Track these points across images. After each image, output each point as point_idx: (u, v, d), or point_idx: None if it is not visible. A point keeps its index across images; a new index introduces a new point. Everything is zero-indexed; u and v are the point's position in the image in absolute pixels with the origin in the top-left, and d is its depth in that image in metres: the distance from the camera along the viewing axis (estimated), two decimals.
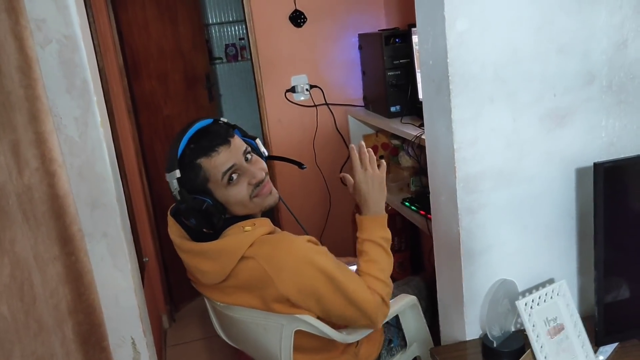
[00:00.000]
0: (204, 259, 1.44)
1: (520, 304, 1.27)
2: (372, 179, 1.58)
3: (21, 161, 0.84)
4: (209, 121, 1.47)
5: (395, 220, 2.88)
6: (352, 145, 1.64)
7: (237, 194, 1.43)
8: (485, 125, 1.35)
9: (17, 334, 0.69)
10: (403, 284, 1.98)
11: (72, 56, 1.20)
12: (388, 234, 1.58)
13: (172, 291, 3.26)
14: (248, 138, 1.56)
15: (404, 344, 1.71)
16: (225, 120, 1.52)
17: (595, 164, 1.25)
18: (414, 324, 1.67)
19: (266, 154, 1.60)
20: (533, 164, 1.40)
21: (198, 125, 1.43)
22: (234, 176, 1.42)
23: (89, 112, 1.21)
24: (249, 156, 1.47)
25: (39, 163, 0.91)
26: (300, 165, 1.72)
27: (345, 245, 3.15)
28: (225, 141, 1.42)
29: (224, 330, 1.67)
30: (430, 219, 2.07)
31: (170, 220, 1.52)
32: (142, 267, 2.47)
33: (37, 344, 0.74)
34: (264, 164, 1.52)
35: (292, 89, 2.96)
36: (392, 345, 1.70)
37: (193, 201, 1.39)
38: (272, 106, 2.97)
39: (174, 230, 1.51)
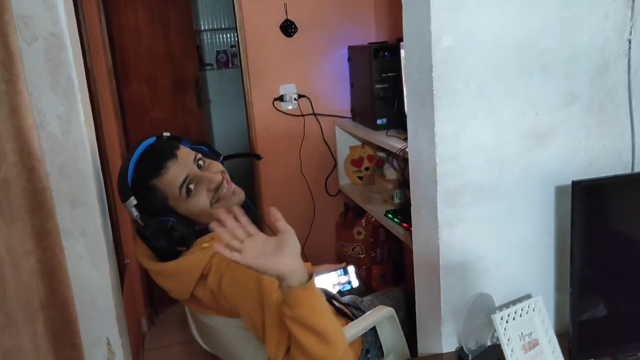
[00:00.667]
0: (165, 278, 1.43)
1: (496, 317, 1.28)
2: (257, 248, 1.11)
3: None
4: (151, 140, 1.43)
5: (378, 232, 2.90)
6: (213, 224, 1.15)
7: (197, 204, 1.39)
8: (467, 140, 1.37)
9: None
10: (382, 294, 1.99)
11: (58, 54, 1.20)
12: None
13: (152, 294, 3.23)
14: (197, 145, 1.52)
15: (380, 355, 1.72)
16: (169, 134, 1.48)
17: (573, 182, 1.27)
18: (391, 335, 1.68)
19: (221, 156, 1.55)
20: (513, 180, 1.42)
21: (141, 148, 1.40)
22: (191, 186, 1.38)
23: (72, 110, 1.21)
24: (201, 162, 1.43)
25: (17, 157, 0.91)
26: (257, 157, 1.72)
27: (327, 255, 3.16)
28: (172, 155, 1.38)
29: (201, 336, 1.66)
30: (412, 231, 2.09)
31: (138, 241, 1.49)
32: (122, 268, 2.45)
33: (5, 338, 0.73)
34: (219, 166, 1.48)
35: (281, 98, 2.98)
36: (369, 355, 1.70)
37: (157, 223, 1.36)
38: (260, 114, 2.98)
39: (141, 251, 1.48)
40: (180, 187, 1.37)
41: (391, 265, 2.98)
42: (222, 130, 5.33)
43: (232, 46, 5.25)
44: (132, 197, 1.35)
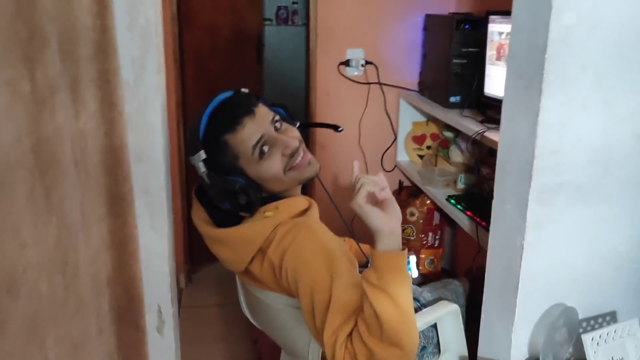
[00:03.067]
0: (222, 247, 1.34)
1: (587, 338, 1.15)
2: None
3: (79, 101, 0.72)
4: (228, 94, 1.34)
5: (433, 216, 2.76)
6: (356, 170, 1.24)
7: (270, 168, 1.29)
8: (572, 134, 1.22)
9: (53, 317, 0.58)
10: (442, 286, 1.87)
11: None
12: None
13: (192, 251, 3.19)
14: (275, 107, 1.42)
15: (437, 351, 1.61)
16: (247, 90, 1.38)
17: None
18: (452, 332, 1.56)
19: (297, 122, 1.45)
20: (617, 184, 1.27)
21: (217, 100, 1.31)
22: (265, 148, 1.28)
23: (148, 55, 1.09)
24: (278, 125, 1.32)
25: (97, 106, 0.79)
26: (335, 128, 1.58)
27: None
28: (249, 111, 1.28)
29: (250, 311, 1.56)
30: (478, 222, 1.95)
31: (195, 202, 1.41)
32: None
33: (74, 325, 0.63)
34: (296, 132, 1.37)
35: (347, 63, 2.82)
36: (424, 352, 1.59)
37: (224, 183, 1.26)
38: (323, 78, 2.83)
39: (197, 214, 1.40)
40: (254, 147, 1.27)
41: (441, 252, 2.85)
42: (273, 91, 5.19)
43: (294, 2, 5.08)
44: (202, 151, 1.26)
